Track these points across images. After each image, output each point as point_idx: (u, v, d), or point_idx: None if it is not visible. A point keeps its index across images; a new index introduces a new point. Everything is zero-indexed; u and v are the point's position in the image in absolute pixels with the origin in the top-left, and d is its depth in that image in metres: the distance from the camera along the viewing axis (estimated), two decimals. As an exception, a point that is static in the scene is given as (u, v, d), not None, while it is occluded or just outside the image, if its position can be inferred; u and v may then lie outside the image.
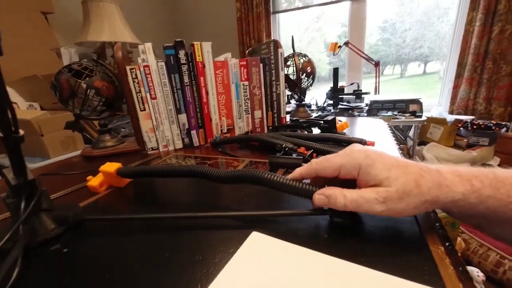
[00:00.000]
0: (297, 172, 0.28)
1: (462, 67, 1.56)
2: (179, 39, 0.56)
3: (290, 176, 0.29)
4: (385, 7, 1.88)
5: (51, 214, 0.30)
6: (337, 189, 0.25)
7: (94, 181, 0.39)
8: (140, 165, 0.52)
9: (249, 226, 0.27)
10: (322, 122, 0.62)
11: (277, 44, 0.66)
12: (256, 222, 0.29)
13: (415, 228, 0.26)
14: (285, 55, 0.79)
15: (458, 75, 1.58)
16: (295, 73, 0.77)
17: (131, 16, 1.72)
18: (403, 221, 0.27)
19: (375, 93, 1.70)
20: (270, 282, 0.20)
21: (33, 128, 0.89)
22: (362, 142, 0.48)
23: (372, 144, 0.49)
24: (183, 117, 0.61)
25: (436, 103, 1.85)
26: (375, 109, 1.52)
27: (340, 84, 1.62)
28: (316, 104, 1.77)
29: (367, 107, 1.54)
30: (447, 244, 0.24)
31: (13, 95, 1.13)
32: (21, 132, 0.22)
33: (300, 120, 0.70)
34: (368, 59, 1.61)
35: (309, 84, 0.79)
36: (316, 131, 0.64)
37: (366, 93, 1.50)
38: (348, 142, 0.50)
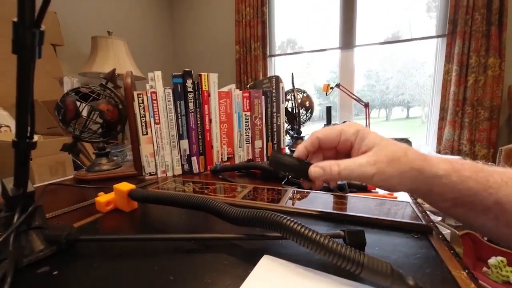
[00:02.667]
0: (302, 145, 0.29)
1: (444, 111, 1.68)
2: (187, 69, 0.59)
3: (295, 152, 0.29)
4: (369, 58, 2.09)
5: (42, 233, 0.27)
6: (331, 160, 0.27)
7: (102, 198, 0.37)
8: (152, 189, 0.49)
9: (260, 250, 0.26)
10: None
11: (278, 79, 0.70)
12: (267, 245, 0.27)
13: (432, 253, 0.25)
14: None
15: (442, 118, 1.70)
16: (293, 106, 0.81)
17: (137, 53, 1.82)
18: (419, 246, 0.27)
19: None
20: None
21: (24, 151, 0.86)
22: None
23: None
24: (184, 143, 0.61)
25: (421, 144, 1.94)
26: (367, 146, 1.57)
27: (332, 122, 1.69)
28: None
29: (359, 145, 1.59)
30: (466, 271, 0.24)
31: (7, 118, 1.12)
32: (36, 138, 0.21)
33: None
34: (358, 100, 1.72)
35: (307, 118, 0.82)
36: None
37: (358, 131, 1.57)
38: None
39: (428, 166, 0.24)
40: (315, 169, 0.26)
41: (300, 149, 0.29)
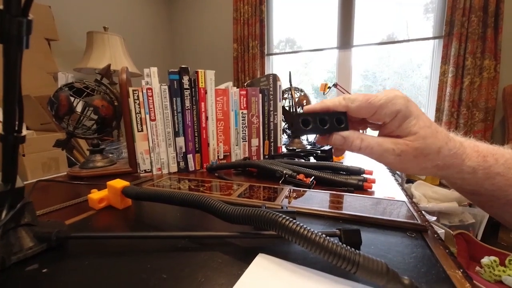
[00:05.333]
0: (326, 102, 0.26)
1: (440, 112, 1.70)
2: (184, 66, 0.58)
3: (316, 105, 0.26)
4: (366, 58, 2.10)
5: (32, 230, 0.26)
6: (356, 132, 0.24)
7: (95, 194, 0.36)
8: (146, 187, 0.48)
9: (254, 248, 0.26)
10: (319, 151, 0.63)
11: (276, 77, 0.70)
12: (262, 244, 0.27)
13: (428, 252, 0.25)
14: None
15: (437, 119, 1.71)
16: (291, 105, 0.80)
17: (133, 50, 1.80)
18: (414, 245, 0.26)
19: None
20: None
21: (16, 147, 0.84)
22: (361, 171, 0.49)
23: (370, 173, 0.49)
24: (180, 140, 0.60)
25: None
26: (363, 146, 1.57)
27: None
28: (307, 139, 1.81)
29: (355, 145, 1.59)
30: (461, 270, 0.23)
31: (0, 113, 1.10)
32: (24, 132, 0.21)
33: (297, 150, 0.71)
34: (355, 100, 1.73)
35: (304, 116, 0.82)
36: (312, 160, 0.65)
37: (354, 131, 1.57)
38: (346, 170, 0.50)
39: (456, 163, 0.23)
40: (336, 137, 0.25)
41: (322, 105, 0.25)
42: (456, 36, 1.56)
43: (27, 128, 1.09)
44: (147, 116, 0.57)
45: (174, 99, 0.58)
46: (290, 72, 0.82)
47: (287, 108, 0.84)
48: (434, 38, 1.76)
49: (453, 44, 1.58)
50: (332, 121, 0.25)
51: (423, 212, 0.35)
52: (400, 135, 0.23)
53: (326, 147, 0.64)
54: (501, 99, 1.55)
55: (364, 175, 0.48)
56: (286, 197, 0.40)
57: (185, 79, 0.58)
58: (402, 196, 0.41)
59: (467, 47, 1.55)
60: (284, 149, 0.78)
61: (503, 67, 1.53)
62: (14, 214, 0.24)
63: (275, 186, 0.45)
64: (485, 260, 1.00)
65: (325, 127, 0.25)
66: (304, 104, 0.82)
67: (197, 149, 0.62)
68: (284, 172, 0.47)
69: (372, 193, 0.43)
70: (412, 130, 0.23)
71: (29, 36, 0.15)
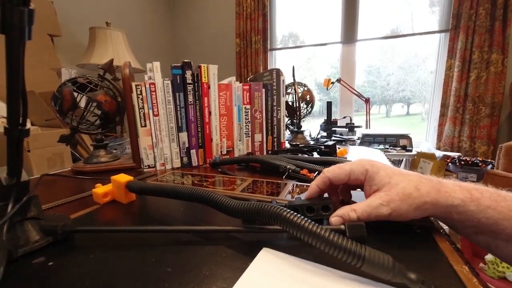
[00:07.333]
0: (314, 185, 0.30)
1: (445, 107, 1.67)
2: (187, 60, 0.58)
3: (308, 191, 0.30)
4: (370, 53, 2.07)
5: (38, 223, 0.27)
6: (347, 206, 0.27)
7: (100, 189, 0.37)
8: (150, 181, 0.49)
9: (259, 242, 0.26)
10: (322, 147, 0.62)
11: (279, 72, 0.69)
12: (266, 238, 0.27)
13: (434, 247, 0.25)
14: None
15: (442, 114, 1.69)
16: (294, 100, 0.80)
17: (136, 45, 1.80)
18: (421, 240, 0.26)
19: (366, 128, 1.77)
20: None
21: (21, 143, 0.85)
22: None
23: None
24: (184, 136, 0.60)
25: (421, 140, 1.94)
26: (367, 142, 1.56)
27: (332, 118, 1.68)
28: (310, 135, 1.81)
29: (359, 140, 1.58)
30: (468, 265, 0.23)
31: (5, 109, 1.11)
32: (28, 125, 0.21)
33: (300, 145, 0.71)
34: (359, 95, 1.71)
35: (308, 112, 0.82)
36: (315, 155, 0.65)
37: (358, 127, 1.56)
38: (350, 165, 0.50)
39: (443, 198, 0.24)
40: (335, 219, 0.27)
41: (312, 189, 0.30)
42: (463, 30, 1.53)
43: (32, 124, 1.09)
44: (150, 111, 0.57)
45: (177, 94, 0.58)
46: (293, 67, 0.81)
47: (290, 103, 0.83)
48: (440, 31, 1.73)
49: (459, 38, 1.55)
50: (319, 209, 0.29)
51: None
52: (379, 189, 0.26)
53: (330, 142, 0.63)
54: (508, 94, 1.52)
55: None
56: (290, 192, 0.40)
57: (188, 74, 0.58)
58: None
59: (474, 40, 1.52)
60: (287, 145, 0.77)
61: (510, 61, 1.50)
62: (20, 207, 0.24)
63: (279, 181, 0.45)
64: (489, 256, 0.99)
65: (312, 215, 0.29)
66: (308, 99, 0.81)
67: (200, 144, 0.62)
68: (288, 167, 0.47)
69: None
70: (385, 181, 0.26)
71: (31, 26, 0.14)
